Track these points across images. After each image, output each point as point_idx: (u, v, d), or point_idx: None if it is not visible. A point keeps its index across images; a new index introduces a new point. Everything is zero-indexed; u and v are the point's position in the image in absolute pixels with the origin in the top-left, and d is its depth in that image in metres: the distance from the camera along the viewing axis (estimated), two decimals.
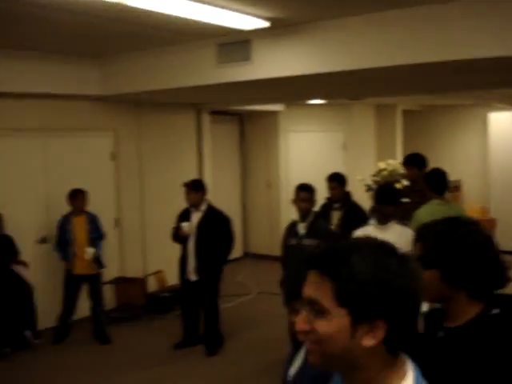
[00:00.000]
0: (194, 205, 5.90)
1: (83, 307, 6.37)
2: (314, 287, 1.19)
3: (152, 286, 7.60)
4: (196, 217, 5.90)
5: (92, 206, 6.32)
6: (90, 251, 6.01)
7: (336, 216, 5.74)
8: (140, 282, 7.24)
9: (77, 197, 6.11)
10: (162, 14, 4.13)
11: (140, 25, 4.61)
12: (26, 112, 6.45)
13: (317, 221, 5.11)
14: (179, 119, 8.42)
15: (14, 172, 6.45)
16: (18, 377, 5.31)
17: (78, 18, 4.35)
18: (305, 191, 5.11)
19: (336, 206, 5.80)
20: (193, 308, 6.02)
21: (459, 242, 1.66)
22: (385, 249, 1.21)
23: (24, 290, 5.98)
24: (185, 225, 5.83)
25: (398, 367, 1.20)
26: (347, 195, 5.91)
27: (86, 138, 7.14)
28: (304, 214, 5.08)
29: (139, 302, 7.05)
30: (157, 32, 4.94)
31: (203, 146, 8.74)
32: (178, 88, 5.91)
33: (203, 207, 5.92)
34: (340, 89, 6.89)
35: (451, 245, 1.66)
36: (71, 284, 6.17)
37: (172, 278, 7.20)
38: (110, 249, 6.90)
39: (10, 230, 6.15)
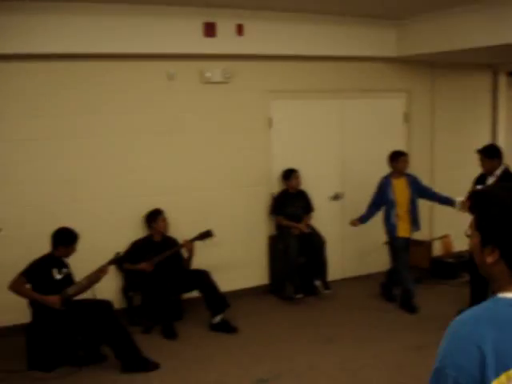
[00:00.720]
0: (488, 172, 5.66)
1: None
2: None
3: (437, 250, 7.53)
4: (490, 182, 5.67)
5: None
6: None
7: None
8: (426, 245, 7.23)
9: (398, 160, 6.07)
10: None
11: None
12: (325, 74, 6.86)
13: None
14: (473, 81, 7.96)
15: (311, 131, 6.96)
16: (307, 317, 5.89)
17: None
18: None
19: None
20: (482, 277, 5.81)
21: None
22: None
23: (317, 243, 6.51)
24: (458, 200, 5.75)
25: None
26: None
27: (379, 99, 7.28)
28: None
29: (424, 265, 7.08)
30: None
31: (498, 110, 8.15)
32: (476, 48, 5.66)
33: (498, 172, 5.63)
34: None
35: None
36: (399, 247, 6.09)
37: (459, 244, 7.05)
38: None
39: (306, 186, 6.74)
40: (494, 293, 1.47)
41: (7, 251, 5.37)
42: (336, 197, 7.16)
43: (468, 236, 1.57)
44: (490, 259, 1.46)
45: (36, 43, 5.22)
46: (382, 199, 6.15)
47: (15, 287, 4.75)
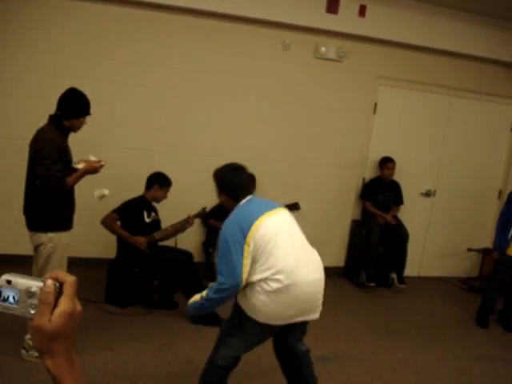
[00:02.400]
0: None
1: None
2: None
3: None
4: None
5: None
6: None
7: None
8: None
9: None
10: None
11: None
12: (437, 68, 6.70)
13: None
14: None
15: (414, 123, 6.87)
16: (376, 307, 5.88)
17: None
18: None
19: None
20: None
21: None
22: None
23: (401, 235, 6.45)
24: None
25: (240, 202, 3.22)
26: None
27: (488, 102, 7.06)
28: None
29: None
30: None
31: None
32: None
33: None
34: None
35: None
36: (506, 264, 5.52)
37: None
38: None
39: (399, 177, 6.66)
40: None
41: (104, 188, 5.65)
42: (427, 193, 7.04)
43: None
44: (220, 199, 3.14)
45: None
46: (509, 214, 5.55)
47: (107, 222, 5.02)
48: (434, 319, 5.72)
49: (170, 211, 5.42)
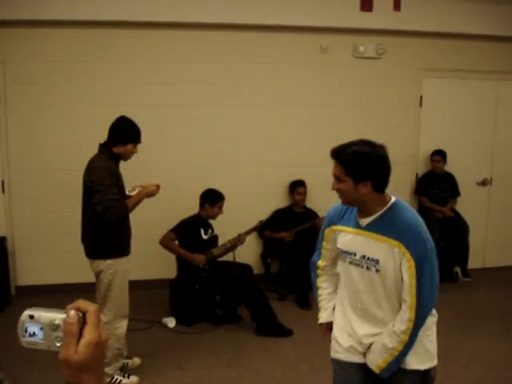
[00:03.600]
0: None
1: None
2: (336, 169, 2.42)
3: None
4: None
5: None
6: None
7: None
8: None
9: None
10: None
11: None
12: (480, 54, 6.51)
13: None
14: None
15: (462, 112, 6.69)
16: (442, 302, 5.70)
17: None
18: None
19: None
20: None
21: None
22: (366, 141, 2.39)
23: (460, 228, 6.29)
24: None
25: (386, 197, 2.42)
26: None
27: None
28: None
29: None
30: None
31: None
32: None
33: None
34: None
35: None
36: None
37: None
38: None
39: (453, 169, 6.51)
40: None
41: (158, 209, 5.75)
42: (484, 183, 6.85)
43: None
44: (364, 190, 2.34)
45: (206, 13, 5.54)
46: None
47: (165, 242, 5.09)
48: (502, 310, 5.54)
49: (226, 226, 5.46)
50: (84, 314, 0.89)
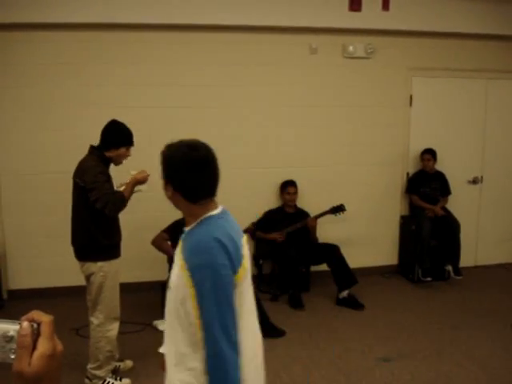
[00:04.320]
0: None
1: None
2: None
3: None
4: None
5: None
6: None
7: None
8: None
9: None
10: None
11: None
12: (468, 53, 6.55)
13: None
14: None
15: (452, 110, 6.72)
16: (435, 301, 5.75)
17: None
18: None
19: None
20: None
21: None
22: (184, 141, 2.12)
23: (452, 226, 6.31)
24: None
25: (203, 210, 2.02)
26: None
27: None
28: None
29: None
30: None
31: None
32: None
33: None
34: None
35: None
36: None
37: None
38: None
39: (444, 167, 6.54)
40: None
41: (150, 211, 5.73)
42: (475, 181, 6.88)
43: None
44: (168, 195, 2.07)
45: (195, 15, 5.53)
46: None
47: (157, 243, 5.08)
48: (495, 308, 5.56)
49: None
50: (38, 325, 0.87)
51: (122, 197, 3.71)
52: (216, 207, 2.07)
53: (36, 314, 0.88)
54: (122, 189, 3.83)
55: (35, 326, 0.86)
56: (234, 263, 1.90)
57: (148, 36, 5.74)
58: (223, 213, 2.08)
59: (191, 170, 2.01)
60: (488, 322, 5.18)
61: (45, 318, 0.88)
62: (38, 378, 0.84)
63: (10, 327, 0.86)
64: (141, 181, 3.85)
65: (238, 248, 1.96)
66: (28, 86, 5.56)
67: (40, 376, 0.84)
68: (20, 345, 0.85)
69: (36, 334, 0.86)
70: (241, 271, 1.93)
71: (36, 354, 0.85)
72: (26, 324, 0.85)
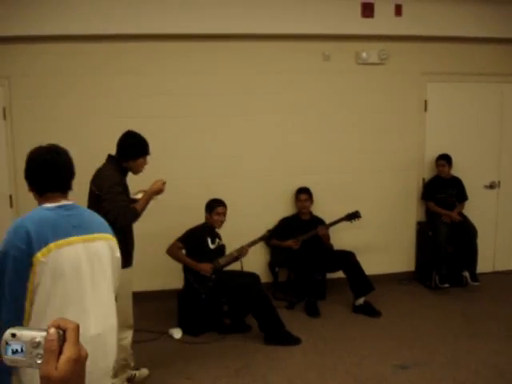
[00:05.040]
0: None
1: None
2: None
3: None
4: None
5: None
6: None
7: None
8: None
9: None
10: None
11: None
12: (484, 57, 6.50)
13: None
14: None
15: (468, 115, 6.66)
16: (452, 308, 5.69)
17: None
18: None
19: None
20: None
21: None
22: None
23: (469, 232, 6.24)
24: None
25: (54, 200, 2.38)
26: None
27: None
28: None
29: None
30: None
31: None
32: None
33: None
34: None
35: None
36: None
37: None
38: None
39: (460, 172, 6.48)
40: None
41: (165, 219, 5.76)
42: (492, 185, 6.81)
43: None
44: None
45: (208, 24, 5.59)
46: None
47: (172, 252, 5.10)
48: None
49: (233, 235, 5.46)
50: (64, 331, 0.91)
51: (135, 211, 3.74)
52: (58, 201, 2.39)
53: (62, 321, 0.93)
54: (138, 196, 3.86)
55: (61, 332, 0.91)
56: (33, 247, 2.12)
57: (161, 46, 5.78)
58: (61, 207, 2.37)
59: (38, 169, 2.46)
60: (506, 329, 5.11)
61: (70, 325, 0.92)
62: (64, 382, 0.89)
63: (37, 334, 0.91)
64: (157, 192, 3.87)
65: (44, 236, 2.17)
66: (40, 97, 5.62)
67: (66, 379, 0.89)
68: (47, 349, 0.89)
69: (62, 340, 0.91)
70: (39, 255, 2.12)
71: (62, 358, 0.89)
72: (53, 330, 0.90)
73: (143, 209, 3.81)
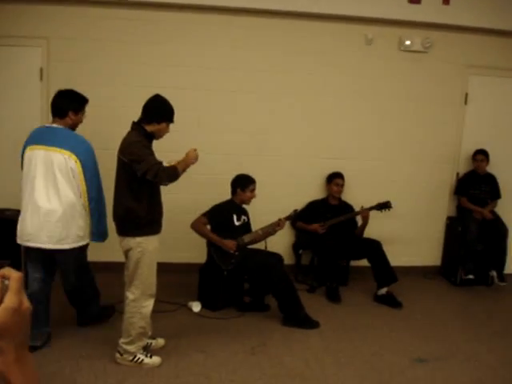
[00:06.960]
0: None
1: None
2: None
3: None
4: None
5: None
6: None
7: None
8: None
9: None
10: None
11: None
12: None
13: None
14: None
15: (508, 111, 6.48)
16: (476, 306, 5.59)
17: None
18: None
19: None
20: None
21: None
22: None
23: (499, 231, 6.12)
24: None
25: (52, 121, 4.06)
26: None
27: None
28: None
29: None
30: None
31: None
32: None
33: None
34: None
35: None
36: None
37: None
38: None
39: (496, 169, 6.34)
40: None
41: (192, 193, 5.75)
42: None
43: None
44: None
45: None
46: None
47: (196, 226, 5.08)
48: None
49: (260, 214, 5.43)
50: (9, 280, 0.88)
51: (175, 169, 3.69)
52: (50, 123, 4.06)
53: (7, 271, 0.89)
54: (172, 163, 3.82)
55: (6, 282, 0.88)
56: (25, 145, 3.95)
57: (201, 18, 5.74)
58: (47, 126, 4.04)
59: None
60: None
61: (14, 274, 0.89)
62: (1, 330, 0.85)
63: None
64: (194, 161, 3.82)
65: (29, 141, 3.95)
66: (76, 61, 5.65)
67: (4, 328, 0.85)
68: None
69: (5, 290, 0.87)
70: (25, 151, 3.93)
71: (2, 306, 0.86)
72: None
73: (183, 170, 3.75)
